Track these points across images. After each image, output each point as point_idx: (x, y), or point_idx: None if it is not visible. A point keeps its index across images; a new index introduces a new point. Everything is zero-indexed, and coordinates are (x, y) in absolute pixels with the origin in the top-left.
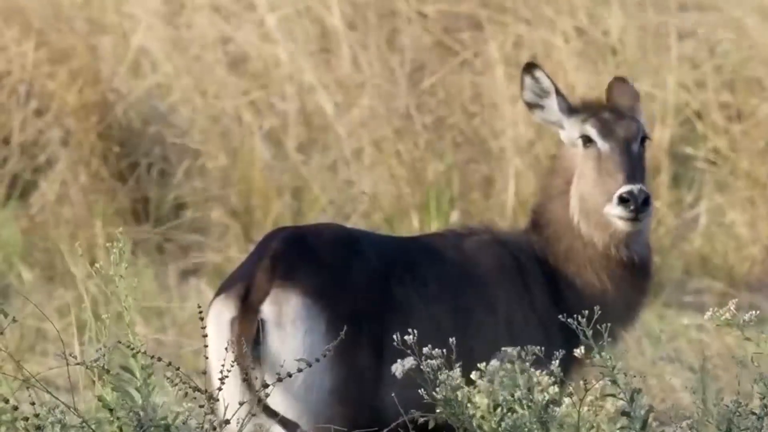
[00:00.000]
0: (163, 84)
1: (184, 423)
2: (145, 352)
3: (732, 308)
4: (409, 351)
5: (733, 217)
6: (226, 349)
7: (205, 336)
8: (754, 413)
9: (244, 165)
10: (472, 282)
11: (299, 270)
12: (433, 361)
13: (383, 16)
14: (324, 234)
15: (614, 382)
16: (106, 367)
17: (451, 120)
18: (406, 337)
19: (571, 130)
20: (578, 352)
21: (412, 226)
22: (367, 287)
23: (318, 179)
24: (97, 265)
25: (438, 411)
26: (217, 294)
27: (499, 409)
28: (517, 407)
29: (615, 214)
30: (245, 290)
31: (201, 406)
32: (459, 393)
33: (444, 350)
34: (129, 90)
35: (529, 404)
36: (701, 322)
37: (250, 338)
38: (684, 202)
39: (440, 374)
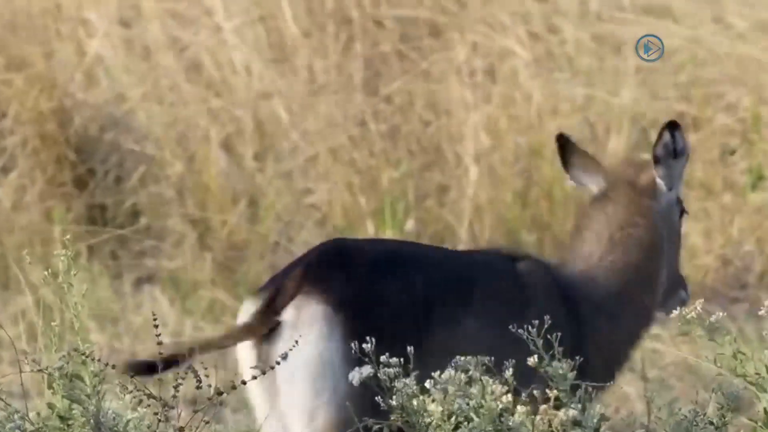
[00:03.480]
0: (120, 91)
1: (135, 428)
2: (99, 359)
3: (699, 308)
4: (366, 359)
5: (688, 226)
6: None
7: (160, 344)
8: (711, 423)
9: (199, 172)
10: (521, 306)
11: (328, 281)
12: (390, 369)
13: (340, 23)
14: (366, 249)
15: (566, 391)
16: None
17: (407, 128)
18: (363, 345)
19: (672, 195)
20: (531, 360)
21: (367, 234)
22: (399, 306)
23: (273, 187)
24: (47, 272)
25: (392, 418)
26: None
27: (453, 418)
28: (472, 414)
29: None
30: (273, 294)
31: (155, 414)
32: (414, 401)
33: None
34: (85, 97)
35: (483, 413)
36: (656, 331)
37: (259, 335)
38: None
39: (396, 382)
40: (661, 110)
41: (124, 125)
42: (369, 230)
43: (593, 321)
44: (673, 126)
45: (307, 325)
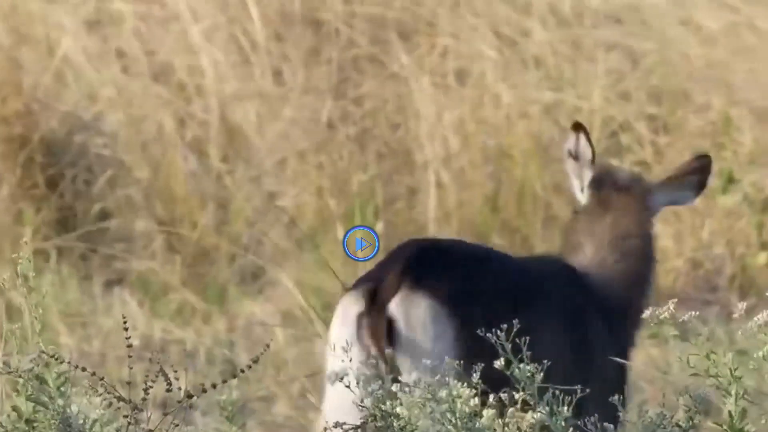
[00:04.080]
0: (88, 94)
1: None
2: (68, 362)
3: (671, 308)
4: (342, 360)
5: (658, 229)
6: (346, 342)
7: (130, 347)
8: (679, 425)
9: (168, 175)
10: (592, 314)
11: (429, 276)
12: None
13: (308, 27)
14: (457, 248)
15: (533, 395)
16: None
17: (376, 131)
18: (341, 346)
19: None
20: (498, 364)
21: (336, 238)
22: (495, 303)
23: (242, 190)
24: (17, 273)
25: (362, 422)
26: (345, 294)
27: (421, 421)
28: (439, 417)
29: None
30: (374, 289)
31: (125, 417)
32: (387, 404)
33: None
34: (54, 100)
35: (452, 418)
36: None
37: (380, 334)
38: None
39: (371, 385)
40: (632, 113)
41: (92, 128)
42: (338, 234)
43: (618, 327)
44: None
45: (420, 324)
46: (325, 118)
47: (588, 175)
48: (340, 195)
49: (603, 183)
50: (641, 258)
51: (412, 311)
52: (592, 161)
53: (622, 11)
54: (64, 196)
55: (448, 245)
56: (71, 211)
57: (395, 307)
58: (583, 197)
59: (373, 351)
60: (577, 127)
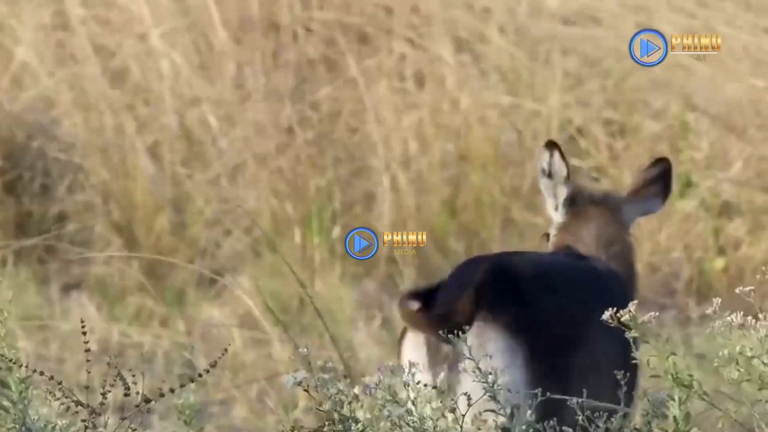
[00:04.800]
0: (46, 98)
1: None
2: (26, 366)
3: (632, 310)
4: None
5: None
6: (412, 364)
7: (88, 351)
8: (637, 429)
9: (126, 179)
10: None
11: (502, 303)
12: (324, 375)
13: (267, 31)
14: (523, 266)
15: (493, 398)
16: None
17: (334, 135)
18: (300, 350)
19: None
20: (462, 366)
21: (294, 242)
22: (558, 321)
23: (201, 194)
24: None
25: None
26: (412, 310)
27: (382, 423)
28: (396, 421)
29: None
30: (447, 313)
31: (83, 421)
32: (345, 407)
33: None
34: (12, 104)
35: (412, 420)
36: None
37: (453, 359)
38: None
39: (330, 388)
40: (589, 117)
41: (50, 133)
42: (296, 238)
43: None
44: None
45: (491, 354)
46: (284, 123)
47: (563, 192)
48: (298, 199)
49: (578, 199)
50: (624, 269)
51: (485, 342)
52: (567, 178)
53: (580, 16)
54: (22, 200)
55: (513, 265)
56: (29, 215)
57: (469, 335)
58: (557, 215)
59: (443, 375)
60: (551, 145)
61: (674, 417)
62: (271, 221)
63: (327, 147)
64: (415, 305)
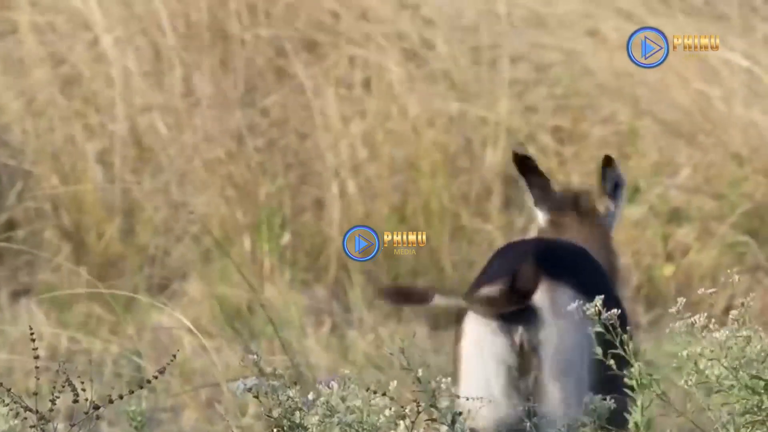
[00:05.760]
0: None
1: None
2: None
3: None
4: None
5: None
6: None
7: (37, 357)
8: None
9: (76, 186)
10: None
11: (563, 269)
12: (275, 381)
13: (217, 37)
14: (565, 245)
15: (433, 405)
16: None
17: (283, 141)
18: (250, 355)
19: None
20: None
21: (243, 248)
22: (607, 290)
23: (150, 200)
24: None
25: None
26: (472, 292)
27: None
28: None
29: None
30: (511, 283)
31: (32, 427)
32: (296, 414)
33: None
34: None
35: (364, 427)
36: None
37: (524, 324)
38: (515, 226)
39: (280, 394)
40: (537, 123)
41: (0, 139)
42: (245, 244)
43: None
44: (609, 161)
45: (568, 313)
46: (233, 129)
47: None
48: (248, 205)
49: (563, 208)
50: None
51: (558, 299)
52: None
53: (528, 21)
54: None
55: (556, 243)
56: None
57: (540, 295)
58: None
59: (518, 341)
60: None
61: (636, 423)
62: (221, 227)
63: (276, 153)
64: (494, 291)
